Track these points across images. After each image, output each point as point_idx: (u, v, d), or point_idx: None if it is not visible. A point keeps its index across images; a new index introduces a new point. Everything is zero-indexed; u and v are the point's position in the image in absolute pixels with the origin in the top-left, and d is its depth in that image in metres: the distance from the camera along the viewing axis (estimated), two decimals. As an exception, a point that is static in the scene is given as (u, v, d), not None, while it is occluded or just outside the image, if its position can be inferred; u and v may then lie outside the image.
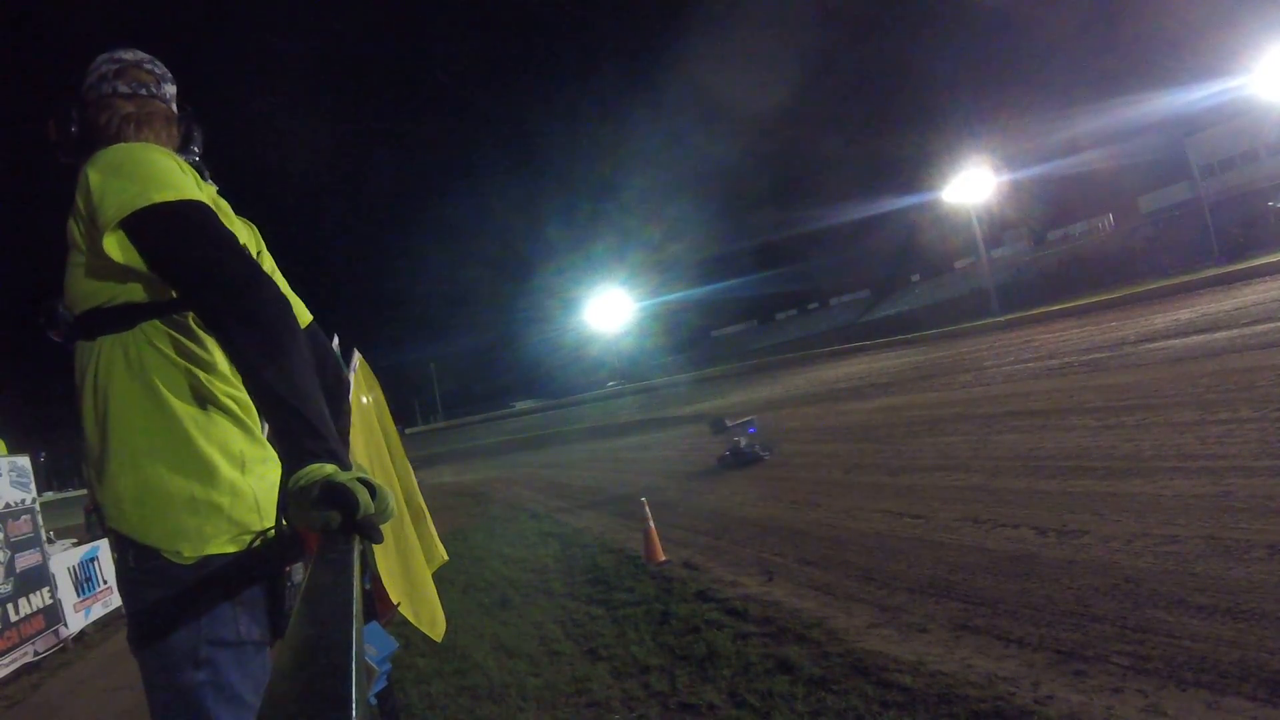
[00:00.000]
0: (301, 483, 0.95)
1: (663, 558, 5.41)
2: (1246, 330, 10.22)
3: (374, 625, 2.71)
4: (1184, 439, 5.43)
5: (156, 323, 1.19)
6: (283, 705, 0.50)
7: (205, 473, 1.15)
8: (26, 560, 6.41)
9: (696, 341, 67.68)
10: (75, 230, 1.20)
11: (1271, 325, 10.07)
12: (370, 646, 2.53)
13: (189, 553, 1.12)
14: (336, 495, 0.92)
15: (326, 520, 0.92)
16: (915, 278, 52.93)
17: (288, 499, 0.98)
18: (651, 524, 5.60)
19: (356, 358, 3.09)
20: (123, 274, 1.17)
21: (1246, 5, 30.34)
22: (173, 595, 1.11)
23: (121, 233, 1.14)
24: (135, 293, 1.18)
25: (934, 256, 49.63)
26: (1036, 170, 40.98)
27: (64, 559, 7.11)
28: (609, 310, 63.92)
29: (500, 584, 5.82)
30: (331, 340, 3.08)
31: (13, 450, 7.08)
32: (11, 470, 6.71)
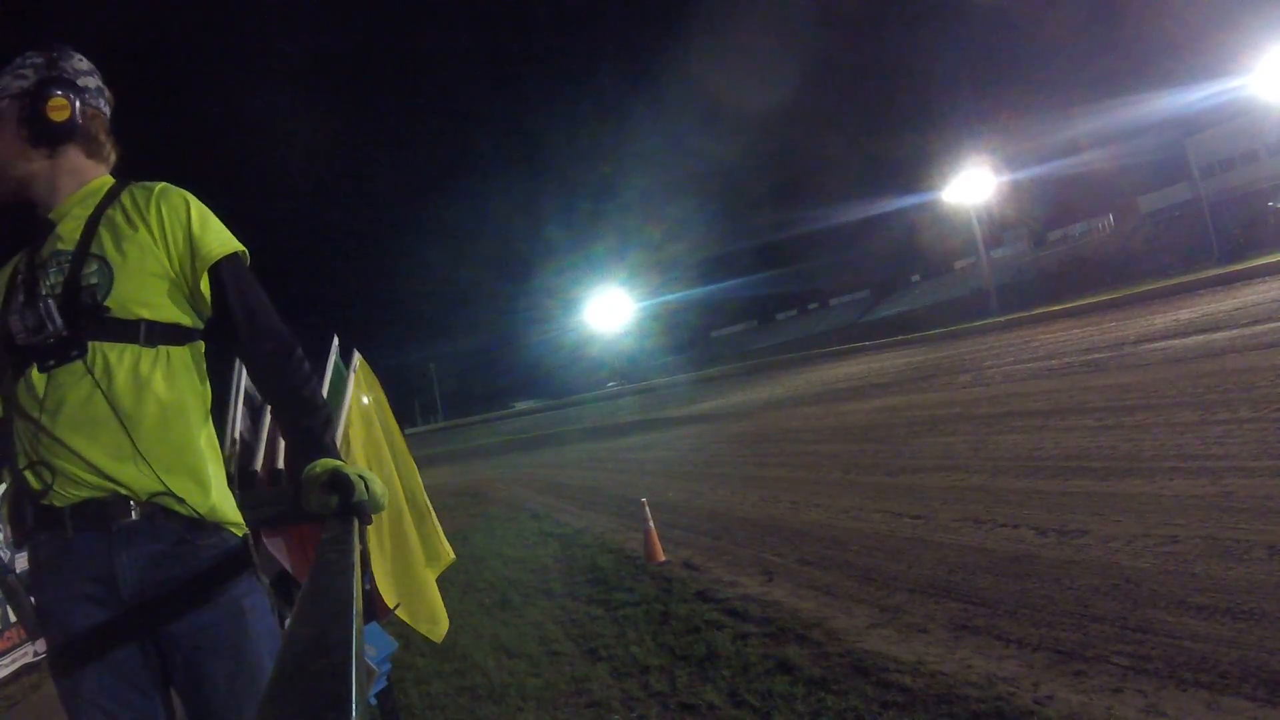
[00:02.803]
0: (316, 471, 1.21)
1: (663, 558, 5.41)
2: (1246, 330, 10.23)
3: (374, 625, 2.71)
4: (1184, 439, 5.43)
5: (198, 344, 1.40)
6: (283, 705, 0.50)
7: (224, 466, 1.42)
8: (27, 560, 6.40)
9: (696, 341, 67.68)
10: (152, 243, 1.33)
11: (1271, 325, 10.07)
12: (370, 646, 2.53)
13: (240, 527, 1.38)
14: (339, 481, 1.17)
15: (327, 502, 1.16)
16: (915, 278, 52.95)
17: (304, 485, 1.22)
18: (651, 524, 5.60)
19: (356, 358, 3.09)
20: (190, 299, 1.37)
21: (1246, 5, 30.35)
22: (234, 555, 1.35)
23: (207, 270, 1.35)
24: (190, 316, 1.37)
25: (934, 256, 49.67)
26: (1036, 170, 40.97)
27: (64, 559, 7.11)
28: (609, 310, 63.80)
29: (500, 584, 5.82)
30: (332, 341, 3.09)
31: (13, 450, 7.06)
32: (11, 470, 6.70)
